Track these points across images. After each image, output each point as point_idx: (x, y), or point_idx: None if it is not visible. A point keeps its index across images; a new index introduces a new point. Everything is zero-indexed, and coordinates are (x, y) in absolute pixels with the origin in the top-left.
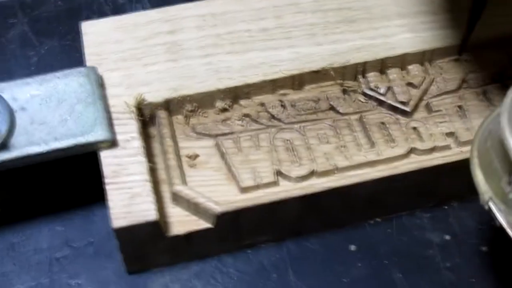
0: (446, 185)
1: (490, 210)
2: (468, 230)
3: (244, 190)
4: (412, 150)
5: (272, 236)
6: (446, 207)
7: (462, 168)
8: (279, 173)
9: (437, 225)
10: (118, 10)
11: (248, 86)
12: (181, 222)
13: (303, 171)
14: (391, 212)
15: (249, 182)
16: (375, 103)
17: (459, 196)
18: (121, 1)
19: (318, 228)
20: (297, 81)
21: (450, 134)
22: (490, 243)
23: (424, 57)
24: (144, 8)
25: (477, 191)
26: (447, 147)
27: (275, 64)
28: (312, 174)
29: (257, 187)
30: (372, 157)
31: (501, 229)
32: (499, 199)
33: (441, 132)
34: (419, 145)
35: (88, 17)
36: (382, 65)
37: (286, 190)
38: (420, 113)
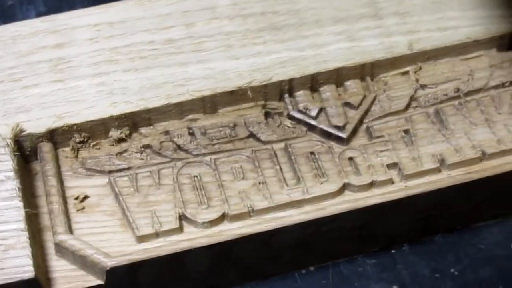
0: (391, 225)
1: None
2: (420, 279)
3: (141, 239)
4: (345, 186)
5: None
6: (394, 251)
7: (409, 205)
8: (183, 217)
9: (383, 273)
10: (5, 14)
11: (148, 111)
12: (67, 278)
13: (212, 214)
14: (326, 259)
15: (146, 230)
16: (304, 128)
17: (410, 238)
18: (9, 2)
19: (237, 281)
20: (208, 104)
21: (393, 166)
22: None
23: (364, 71)
24: (37, 11)
25: None
26: (388, 182)
27: (181, 83)
28: (223, 218)
29: (156, 235)
30: (297, 195)
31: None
32: None
33: (382, 164)
34: (354, 179)
35: None
36: (312, 82)
37: (191, 238)
38: (359, 140)
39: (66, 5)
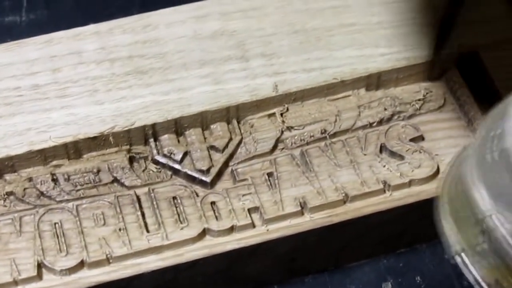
0: (256, 268)
1: (462, 263)
2: None
3: None
4: (206, 231)
5: None
6: None
7: (270, 249)
8: (42, 265)
9: None
10: None
11: (10, 158)
12: None
13: (70, 261)
14: None
15: (5, 278)
16: (169, 173)
17: (278, 279)
18: None
19: None
20: (72, 150)
21: (255, 210)
22: None
23: (229, 114)
24: None
25: (446, 241)
26: (249, 226)
27: (44, 130)
28: (82, 265)
29: (15, 283)
30: (156, 241)
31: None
32: (471, 249)
33: (243, 208)
34: (214, 224)
35: None
36: (177, 126)
37: (48, 286)
38: (224, 183)
39: None
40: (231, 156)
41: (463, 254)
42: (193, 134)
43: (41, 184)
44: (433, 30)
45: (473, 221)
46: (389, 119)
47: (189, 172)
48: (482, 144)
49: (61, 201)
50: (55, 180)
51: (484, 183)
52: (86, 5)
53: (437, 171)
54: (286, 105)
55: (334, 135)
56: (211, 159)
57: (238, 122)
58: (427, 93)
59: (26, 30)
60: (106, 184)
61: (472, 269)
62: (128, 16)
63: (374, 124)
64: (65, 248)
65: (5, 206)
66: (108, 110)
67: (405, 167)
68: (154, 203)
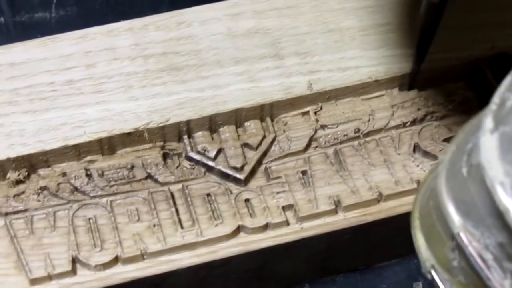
0: (289, 266)
1: (432, 279)
2: None
3: (34, 281)
4: (240, 229)
5: None
6: None
7: (304, 247)
8: (76, 260)
9: None
10: None
11: (45, 153)
12: None
13: (104, 257)
14: None
15: (39, 272)
16: (203, 170)
17: (310, 278)
18: None
19: None
20: (106, 146)
21: (289, 207)
22: None
23: (263, 112)
24: None
25: (418, 257)
26: (283, 224)
27: (79, 125)
28: (116, 260)
29: (49, 277)
30: (190, 238)
31: None
32: (443, 266)
33: (277, 205)
34: (248, 221)
35: None
36: (211, 123)
37: (82, 281)
38: (257, 181)
39: None
40: (264, 154)
41: (432, 271)
42: (227, 132)
43: (75, 179)
44: (467, 32)
45: (445, 237)
46: (422, 119)
47: (223, 169)
48: (453, 160)
49: (95, 197)
50: (89, 176)
51: (453, 199)
52: (116, 2)
53: None
54: (320, 104)
55: (368, 134)
56: (244, 157)
57: (272, 120)
58: (460, 94)
59: (55, 26)
60: (139, 180)
61: (442, 287)
62: (158, 13)
63: (408, 124)
64: (99, 244)
65: (39, 200)
66: (143, 106)
67: None
68: (188, 199)
